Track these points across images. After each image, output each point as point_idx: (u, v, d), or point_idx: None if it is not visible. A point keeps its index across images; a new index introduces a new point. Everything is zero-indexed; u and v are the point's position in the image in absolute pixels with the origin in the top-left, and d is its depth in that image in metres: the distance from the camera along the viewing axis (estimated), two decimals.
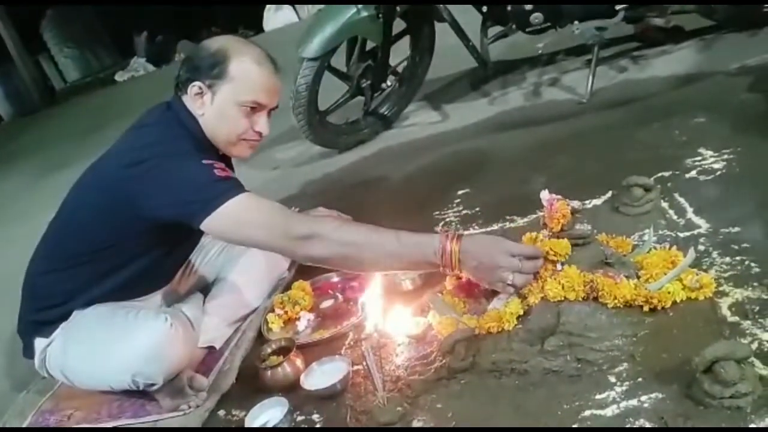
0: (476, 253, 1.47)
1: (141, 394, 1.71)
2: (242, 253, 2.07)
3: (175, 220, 1.59)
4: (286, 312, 1.97)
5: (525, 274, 1.47)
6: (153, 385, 1.63)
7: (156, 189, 1.58)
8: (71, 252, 1.75)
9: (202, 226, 1.55)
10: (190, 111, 1.73)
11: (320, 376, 1.62)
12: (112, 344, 1.63)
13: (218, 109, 1.71)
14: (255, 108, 1.72)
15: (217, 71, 1.69)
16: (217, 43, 1.74)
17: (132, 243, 1.72)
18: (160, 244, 1.76)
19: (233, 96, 1.70)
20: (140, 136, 1.72)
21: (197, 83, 1.70)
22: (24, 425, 1.84)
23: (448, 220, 2.29)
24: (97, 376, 1.69)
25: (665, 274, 1.50)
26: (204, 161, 1.59)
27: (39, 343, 1.77)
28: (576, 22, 3.00)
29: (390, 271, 1.75)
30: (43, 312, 1.77)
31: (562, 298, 1.46)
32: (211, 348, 1.87)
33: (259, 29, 8.93)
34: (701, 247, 1.63)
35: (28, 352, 1.81)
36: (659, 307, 1.44)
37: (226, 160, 1.83)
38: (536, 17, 3.07)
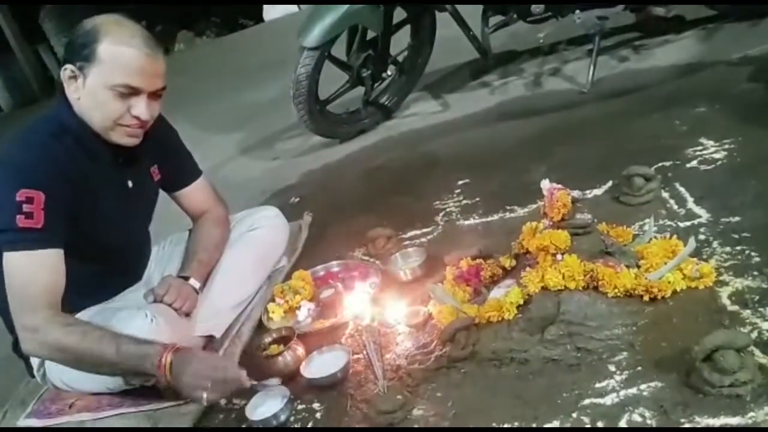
0: (186, 366, 1.50)
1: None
2: (238, 239, 2.04)
3: None
4: (286, 301, 1.97)
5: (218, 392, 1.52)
6: (149, 379, 1.64)
7: None
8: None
9: None
10: (66, 97, 1.64)
11: (321, 365, 1.63)
12: None
13: (89, 92, 1.60)
14: (130, 92, 1.60)
15: (87, 52, 1.57)
16: (91, 22, 1.61)
17: None
18: (79, 259, 1.65)
19: (102, 79, 1.58)
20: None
21: (69, 66, 1.60)
22: (25, 414, 1.84)
23: (448, 209, 2.29)
24: (95, 381, 1.70)
25: (665, 263, 1.50)
26: (20, 195, 1.50)
27: (34, 361, 1.78)
28: (577, 11, 2.99)
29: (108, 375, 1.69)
30: None
31: (562, 288, 1.47)
32: (210, 337, 1.87)
33: (259, 19, 8.89)
34: (701, 237, 1.63)
35: (29, 370, 1.82)
36: (659, 297, 1.45)
37: (123, 149, 1.72)
38: (537, 6, 3.06)
